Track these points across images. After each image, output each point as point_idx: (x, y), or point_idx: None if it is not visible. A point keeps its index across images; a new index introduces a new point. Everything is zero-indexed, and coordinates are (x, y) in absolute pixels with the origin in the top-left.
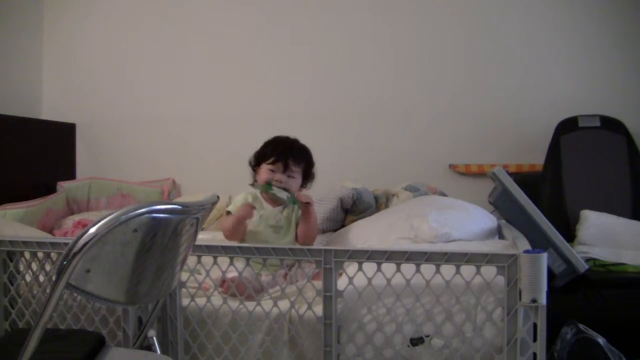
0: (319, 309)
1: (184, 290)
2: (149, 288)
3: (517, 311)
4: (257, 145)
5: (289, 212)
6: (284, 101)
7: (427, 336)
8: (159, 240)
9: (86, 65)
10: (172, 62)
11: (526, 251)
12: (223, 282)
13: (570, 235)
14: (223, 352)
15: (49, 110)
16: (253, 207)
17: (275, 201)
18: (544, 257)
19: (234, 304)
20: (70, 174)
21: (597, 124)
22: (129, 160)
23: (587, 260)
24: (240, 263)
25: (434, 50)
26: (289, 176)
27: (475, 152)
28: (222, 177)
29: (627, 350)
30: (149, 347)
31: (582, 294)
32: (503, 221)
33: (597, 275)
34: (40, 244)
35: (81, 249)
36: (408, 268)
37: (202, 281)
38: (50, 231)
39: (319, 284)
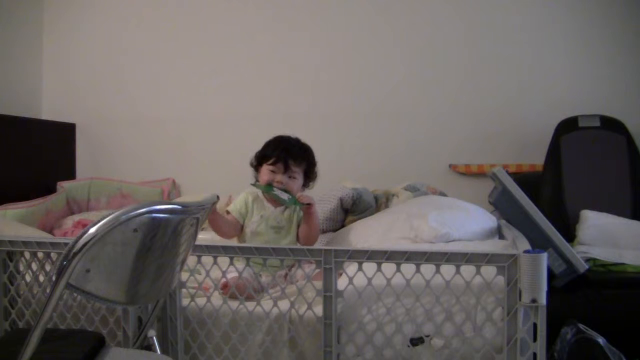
0: (319, 309)
1: (184, 290)
2: (149, 288)
3: (517, 311)
4: (257, 145)
5: (290, 213)
6: (284, 101)
7: (427, 336)
8: (159, 240)
9: (86, 65)
10: (172, 62)
11: (526, 251)
12: (225, 285)
13: (570, 235)
14: (223, 352)
15: (49, 110)
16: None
17: (276, 202)
18: (544, 257)
19: (234, 304)
20: (70, 174)
21: (597, 124)
22: (129, 160)
23: (587, 260)
24: (240, 263)
25: (434, 50)
26: (290, 177)
27: (475, 152)
28: (222, 177)
29: (627, 350)
30: (149, 347)
31: (582, 294)
32: (503, 221)
33: (597, 275)
34: (40, 244)
35: (81, 249)
36: (408, 268)
37: (202, 281)
38: (50, 231)
39: (319, 284)
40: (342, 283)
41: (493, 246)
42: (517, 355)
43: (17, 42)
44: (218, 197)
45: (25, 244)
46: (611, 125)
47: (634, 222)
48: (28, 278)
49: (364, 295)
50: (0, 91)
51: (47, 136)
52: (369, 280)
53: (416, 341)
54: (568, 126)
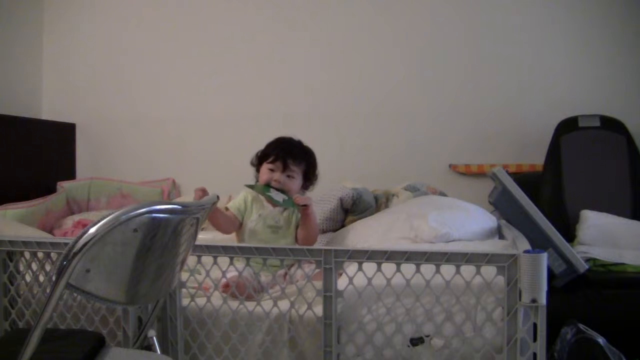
0: (319, 309)
1: (184, 290)
2: (149, 288)
3: (517, 311)
4: (257, 145)
5: (289, 214)
6: (284, 101)
7: (427, 336)
8: (159, 240)
9: (86, 65)
10: (172, 62)
11: (526, 251)
12: (226, 286)
13: (570, 235)
14: (223, 352)
15: (49, 110)
16: (203, 192)
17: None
18: (544, 257)
19: (234, 304)
20: (70, 174)
21: (597, 124)
22: (129, 160)
23: (587, 260)
24: (240, 263)
25: (434, 50)
26: (288, 176)
27: (475, 152)
28: (222, 177)
29: (627, 350)
30: (149, 347)
31: (582, 294)
32: (503, 221)
33: (597, 275)
34: (40, 244)
35: (81, 249)
36: (408, 268)
37: (202, 281)
38: (50, 231)
39: (319, 284)
40: (342, 283)
41: (493, 246)
42: (517, 355)
43: (17, 42)
44: (218, 197)
45: (25, 244)
46: (611, 125)
47: (634, 222)
48: (28, 278)
49: (364, 295)
50: (0, 91)
51: (47, 136)
52: (369, 280)
53: (416, 341)
54: (568, 126)
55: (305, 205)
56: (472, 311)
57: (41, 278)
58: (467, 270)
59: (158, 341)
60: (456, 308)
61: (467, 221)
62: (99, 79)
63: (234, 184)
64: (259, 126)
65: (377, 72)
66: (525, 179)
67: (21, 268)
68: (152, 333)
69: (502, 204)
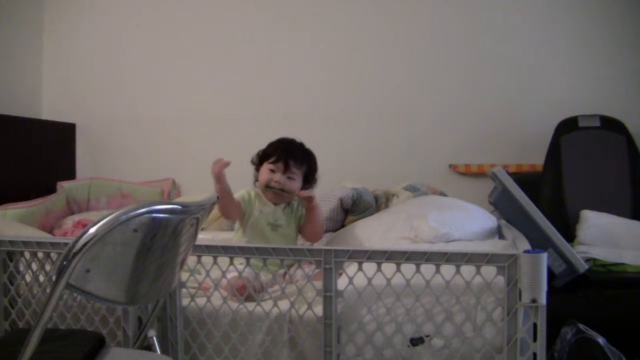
0: (319, 309)
1: (184, 290)
2: (149, 288)
3: (517, 311)
4: (257, 145)
5: (290, 213)
6: (284, 101)
7: (427, 336)
8: (159, 240)
9: (86, 65)
10: (172, 62)
11: (526, 251)
12: (242, 287)
13: (570, 235)
14: (223, 352)
15: (49, 110)
16: (226, 164)
17: (276, 199)
18: (544, 257)
19: (234, 304)
20: (70, 174)
21: (597, 124)
22: (129, 160)
23: (587, 260)
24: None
25: (434, 50)
26: (289, 177)
27: (475, 152)
28: None
29: (627, 350)
30: (149, 347)
31: (582, 294)
32: (503, 221)
33: (597, 275)
34: (40, 244)
35: (81, 249)
36: (408, 268)
37: (202, 281)
38: (50, 231)
39: (319, 284)
40: (342, 283)
41: (493, 246)
42: (517, 355)
43: (17, 42)
44: (218, 197)
45: (25, 244)
46: (611, 125)
47: (634, 222)
48: (28, 278)
49: (364, 295)
50: (0, 91)
51: (47, 136)
52: (369, 280)
53: (416, 341)
54: (568, 126)
55: (310, 198)
56: (472, 311)
57: (41, 278)
58: (467, 270)
59: (158, 341)
60: (456, 308)
61: (467, 221)
62: (99, 79)
63: (233, 184)
64: (259, 126)
65: (377, 72)
66: (525, 179)
67: (21, 268)
68: (152, 333)
69: (502, 204)
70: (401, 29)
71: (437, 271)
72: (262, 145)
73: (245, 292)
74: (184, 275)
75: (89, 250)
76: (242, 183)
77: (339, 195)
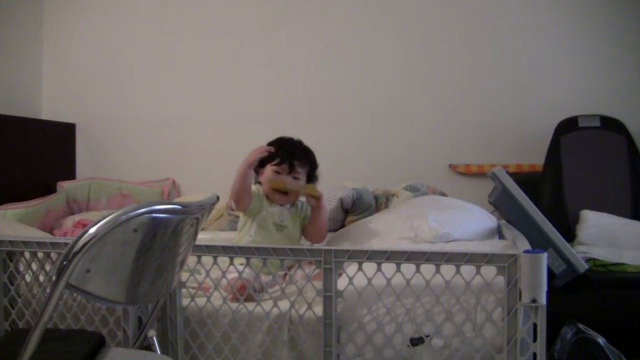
0: (319, 309)
1: (184, 290)
2: (149, 288)
3: (517, 311)
4: (257, 145)
5: (294, 213)
6: (284, 101)
7: (427, 336)
8: (159, 240)
9: (86, 65)
10: (172, 63)
11: (526, 251)
12: (243, 287)
13: (570, 235)
14: (223, 352)
15: (49, 110)
16: (268, 152)
17: (282, 199)
18: (544, 257)
19: (234, 304)
20: (70, 174)
21: (597, 124)
22: (129, 160)
23: (587, 260)
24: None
25: (434, 50)
26: (294, 177)
27: (475, 152)
28: (222, 177)
29: (627, 350)
30: (149, 347)
31: (582, 294)
32: (503, 221)
33: (597, 275)
34: (40, 244)
35: (81, 249)
36: (408, 268)
37: (202, 281)
38: (50, 231)
39: (319, 284)
40: (342, 283)
41: (493, 246)
42: (517, 355)
43: (17, 42)
44: (218, 197)
45: (25, 244)
46: (611, 125)
47: (634, 222)
48: (28, 278)
49: (364, 295)
50: (0, 91)
51: (47, 136)
52: (369, 280)
53: (416, 341)
54: (568, 126)
55: (318, 197)
56: (472, 311)
57: (41, 278)
58: (467, 270)
59: (158, 341)
60: (456, 308)
61: (467, 221)
62: (98, 79)
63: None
64: (259, 126)
65: (378, 72)
66: (525, 179)
67: (21, 268)
68: (152, 333)
69: (502, 204)
70: (402, 29)
71: (437, 271)
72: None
73: (245, 292)
74: (184, 275)
75: (89, 250)
76: None
77: (339, 195)
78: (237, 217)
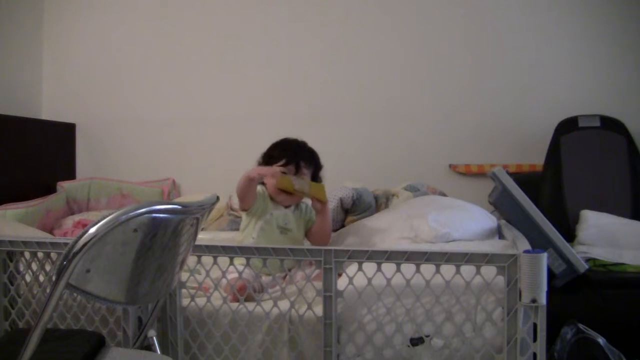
0: (319, 309)
1: (184, 290)
2: (149, 288)
3: (517, 311)
4: (257, 145)
5: (298, 215)
6: (284, 101)
7: (427, 336)
8: (159, 240)
9: (86, 65)
10: (172, 63)
11: (526, 251)
12: (243, 287)
13: (570, 235)
14: (223, 352)
15: (49, 110)
16: (280, 173)
17: (287, 200)
18: (544, 257)
19: (234, 304)
20: (70, 174)
21: (597, 124)
22: (129, 160)
23: (587, 260)
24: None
25: (434, 50)
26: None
27: (475, 152)
28: (222, 177)
29: (627, 350)
30: (149, 347)
31: (582, 294)
32: (503, 221)
33: (597, 275)
34: (40, 244)
35: (81, 249)
36: (408, 268)
37: (202, 281)
38: (50, 231)
39: (319, 284)
40: (342, 283)
41: (493, 246)
42: (517, 355)
43: (17, 42)
44: (218, 197)
45: (25, 244)
46: (611, 125)
47: (634, 222)
48: (28, 278)
49: (364, 295)
50: (0, 91)
51: (47, 136)
52: (369, 280)
53: (416, 341)
54: (568, 126)
55: (323, 202)
56: (472, 311)
57: (41, 278)
58: (467, 270)
59: (158, 341)
60: (456, 308)
61: (467, 221)
62: (98, 79)
63: (234, 184)
64: (259, 126)
65: (378, 73)
66: (525, 179)
67: (21, 268)
68: (152, 333)
69: (502, 204)
70: (402, 29)
71: (437, 271)
72: (262, 145)
73: (245, 292)
74: (184, 275)
75: (89, 250)
76: None
77: (339, 195)
78: (238, 217)
